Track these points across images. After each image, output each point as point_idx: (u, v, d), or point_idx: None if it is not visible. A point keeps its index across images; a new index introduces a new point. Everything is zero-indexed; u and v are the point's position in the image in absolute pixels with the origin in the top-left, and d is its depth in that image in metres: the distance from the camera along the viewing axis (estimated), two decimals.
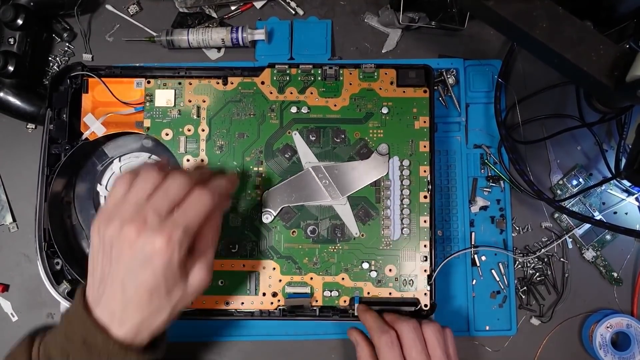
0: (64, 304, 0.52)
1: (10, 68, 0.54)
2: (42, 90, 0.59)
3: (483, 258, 0.57)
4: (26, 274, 0.57)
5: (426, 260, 0.51)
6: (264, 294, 0.51)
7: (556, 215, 0.57)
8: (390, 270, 0.51)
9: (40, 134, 0.52)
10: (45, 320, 0.56)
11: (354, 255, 0.52)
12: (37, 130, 0.59)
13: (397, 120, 0.53)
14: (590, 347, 0.54)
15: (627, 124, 0.53)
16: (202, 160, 0.53)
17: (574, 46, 0.44)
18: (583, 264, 0.57)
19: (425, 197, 0.52)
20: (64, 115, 0.53)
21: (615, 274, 0.57)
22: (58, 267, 0.52)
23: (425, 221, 0.52)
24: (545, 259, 0.57)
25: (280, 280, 0.51)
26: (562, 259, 0.57)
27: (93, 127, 0.53)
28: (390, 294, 0.51)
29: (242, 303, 0.51)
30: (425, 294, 0.51)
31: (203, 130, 0.53)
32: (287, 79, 0.53)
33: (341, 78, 0.53)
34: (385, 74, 0.53)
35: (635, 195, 0.57)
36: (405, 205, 0.52)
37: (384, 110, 0.53)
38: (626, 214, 0.58)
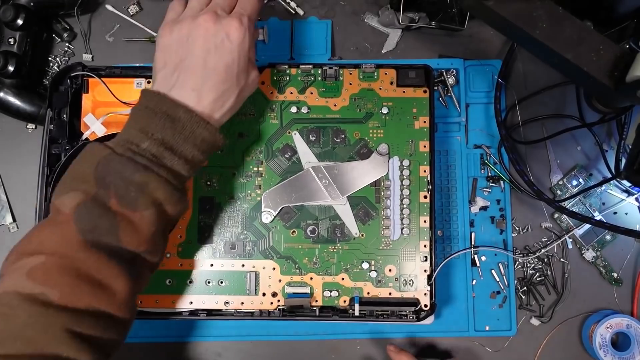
0: None
1: (10, 68, 0.54)
2: (42, 90, 0.59)
3: (483, 258, 0.57)
4: None
5: (426, 260, 0.51)
6: (263, 294, 0.51)
7: (556, 215, 0.57)
8: (390, 270, 0.51)
9: (40, 134, 0.52)
10: None
11: (354, 255, 0.52)
12: (37, 130, 0.59)
13: (397, 120, 0.53)
14: (590, 347, 0.54)
15: (627, 124, 0.53)
16: None
17: (574, 46, 0.44)
18: (583, 264, 0.57)
19: (425, 197, 0.52)
20: (64, 116, 0.53)
21: (615, 274, 0.57)
22: None
23: (425, 221, 0.52)
24: (545, 259, 0.57)
25: (280, 280, 0.51)
26: (562, 259, 0.57)
27: (93, 127, 0.53)
28: (390, 294, 0.51)
29: (242, 303, 0.51)
30: (425, 294, 0.51)
31: None
32: (287, 79, 0.53)
33: (341, 78, 0.53)
34: (385, 74, 0.53)
35: (635, 196, 0.57)
36: (405, 205, 0.52)
37: (384, 110, 0.53)
38: (626, 214, 0.58)
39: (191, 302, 0.51)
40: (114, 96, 0.53)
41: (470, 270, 0.56)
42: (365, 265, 0.51)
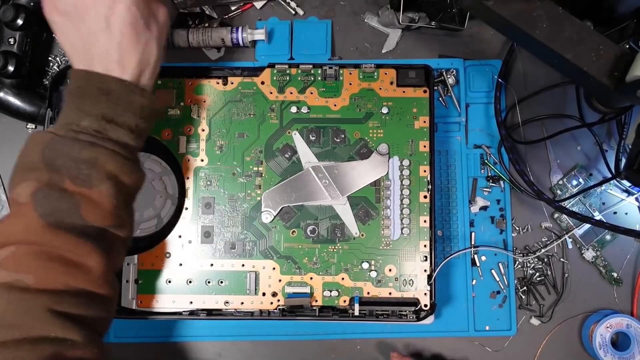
0: None
1: (10, 68, 0.54)
2: (42, 90, 0.59)
3: (483, 258, 0.57)
4: None
5: (426, 260, 0.51)
6: (263, 294, 0.51)
7: (556, 215, 0.57)
8: (390, 270, 0.51)
9: None
10: None
11: (354, 255, 0.52)
12: (37, 130, 0.59)
13: (397, 120, 0.53)
14: (590, 347, 0.54)
15: (627, 124, 0.53)
16: (202, 160, 0.53)
17: (574, 46, 0.44)
18: (583, 264, 0.57)
19: (425, 197, 0.52)
20: None
21: (615, 274, 0.57)
22: None
23: (425, 221, 0.52)
24: (545, 259, 0.57)
25: (280, 280, 0.51)
26: (562, 259, 0.57)
27: None
28: (390, 293, 0.51)
29: (242, 303, 0.51)
30: (425, 294, 0.51)
31: (203, 130, 0.53)
32: (287, 79, 0.53)
33: (341, 78, 0.53)
34: (385, 74, 0.53)
35: (635, 196, 0.57)
36: (405, 205, 0.52)
37: (384, 110, 0.53)
38: (626, 214, 0.58)
39: (191, 302, 0.51)
40: None
41: (470, 270, 0.56)
42: (365, 265, 0.51)
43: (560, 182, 0.58)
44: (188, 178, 0.52)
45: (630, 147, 0.49)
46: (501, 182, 0.57)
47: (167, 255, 0.52)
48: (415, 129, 0.53)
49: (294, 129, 0.53)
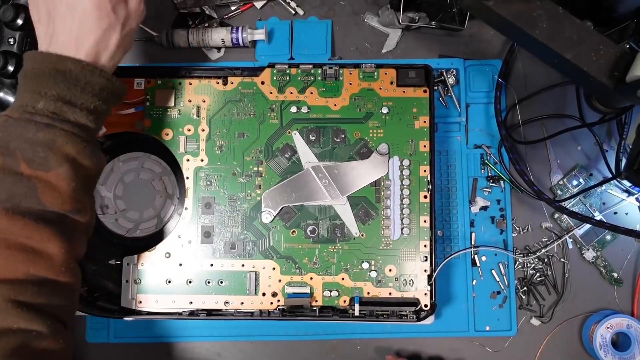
0: None
1: (10, 68, 0.54)
2: None
3: (483, 258, 0.57)
4: None
5: (426, 260, 0.51)
6: (263, 294, 0.51)
7: (556, 215, 0.57)
8: (390, 270, 0.51)
9: None
10: None
11: (354, 255, 0.52)
12: None
13: (397, 120, 0.53)
14: (591, 347, 0.54)
15: (627, 124, 0.53)
16: (202, 160, 0.53)
17: (574, 46, 0.44)
18: (583, 264, 0.57)
19: (425, 197, 0.52)
20: None
21: (615, 275, 0.57)
22: None
23: (425, 221, 0.52)
24: (546, 259, 0.57)
25: (280, 280, 0.51)
26: (562, 259, 0.57)
27: None
28: (390, 294, 0.51)
29: (242, 303, 0.51)
30: (425, 294, 0.51)
31: (203, 130, 0.53)
32: (287, 78, 0.53)
33: (341, 78, 0.53)
34: (385, 73, 0.53)
35: (636, 196, 0.57)
36: (405, 205, 0.52)
37: (384, 110, 0.53)
38: (626, 214, 0.58)
39: (191, 302, 0.51)
40: None
41: (470, 270, 0.56)
42: (365, 265, 0.51)
43: (561, 182, 0.58)
44: (188, 178, 0.52)
45: (630, 147, 0.49)
46: (501, 182, 0.57)
47: (167, 255, 0.52)
48: (415, 129, 0.53)
49: (294, 129, 0.53)
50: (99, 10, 0.40)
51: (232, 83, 0.53)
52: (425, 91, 0.53)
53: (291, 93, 0.53)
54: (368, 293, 0.51)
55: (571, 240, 0.57)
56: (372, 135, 0.53)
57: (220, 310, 0.51)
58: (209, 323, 0.56)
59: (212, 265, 0.51)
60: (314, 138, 0.53)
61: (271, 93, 0.53)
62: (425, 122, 0.53)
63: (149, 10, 0.60)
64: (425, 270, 0.51)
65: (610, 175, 0.54)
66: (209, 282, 0.51)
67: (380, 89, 0.53)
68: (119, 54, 0.43)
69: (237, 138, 0.53)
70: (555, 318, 0.56)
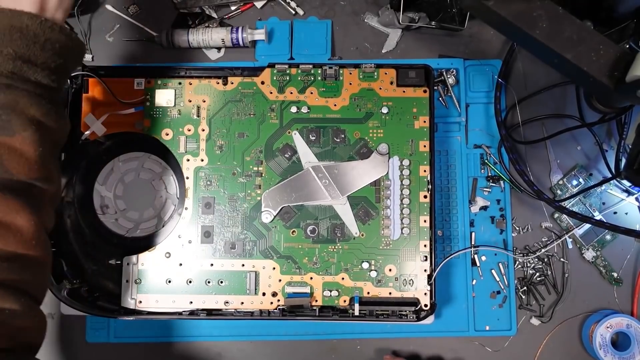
0: (65, 305, 0.52)
1: None
2: None
3: (483, 258, 0.57)
4: None
5: (426, 260, 0.51)
6: (263, 294, 0.51)
7: (556, 215, 0.57)
8: (390, 270, 0.51)
9: None
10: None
11: (354, 255, 0.52)
12: None
13: (397, 120, 0.53)
14: (590, 347, 0.54)
15: (627, 124, 0.53)
16: (202, 160, 0.53)
17: (574, 46, 0.44)
18: (583, 264, 0.57)
19: (425, 197, 0.52)
20: None
21: (615, 274, 0.57)
22: (58, 267, 0.52)
23: (425, 221, 0.52)
24: (545, 259, 0.57)
25: (280, 280, 0.51)
26: (562, 259, 0.57)
27: (93, 127, 0.53)
28: (390, 293, 0.51)
29: (242, 303, 0.51)
30: (425, 293, 0.51)
31: (203, 130, 0.53)
32: (287, 78, 0.53)
33: (341, 78, 0.53)
34: (385, 73, 0.53)
35: (635, 195, 0.57)
36: (405, 205, 0.52)
37: (384, 110, 0.53)
38: (626, 214, 0.58)
39: (191, 302, 0.51)
40: (114, 96, 0.53)
41: (470, 270, 0.56)
42: (365, 265, 0.51)
43: (560, 182, 0.58)
44: (188, 178, 0.52)
45: (630, 147, 0.49)
46: (501, 182, 0.57)
47: (167, 255, 0.52)
48: (415, 128, 0.53)
49: (294, 128, 0.53)
50: None
51: (232, 83, 0.53)
52: (425, 91, 0.53)
53: (291, 93, 0.53)
54: (368, 293, 0.51)
55: (571, 240, 0.57)
56: (372, 135, 0.53)
57: (220, 310, 0.51)
58: (209, 323, 0.56)
59: (212, 265, 0.51)
60: (314, 138, 0.53)
61: (271, 93, 0.53)
62: (425, 122, 0.53)
63: (149, 10, 0.60)
64: (425, 270, 0.51)
65: (610, 175, 0.54)
66: (209, 282, 0.51)
67: (380, 89, 0.53)
68: (69, 10, 0.40)
69: (237, 138, 0.53)
70: (555, 318, 0.56)
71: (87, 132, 0.53)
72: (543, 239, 0.58)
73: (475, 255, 0.56)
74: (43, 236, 0.38)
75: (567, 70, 0.46)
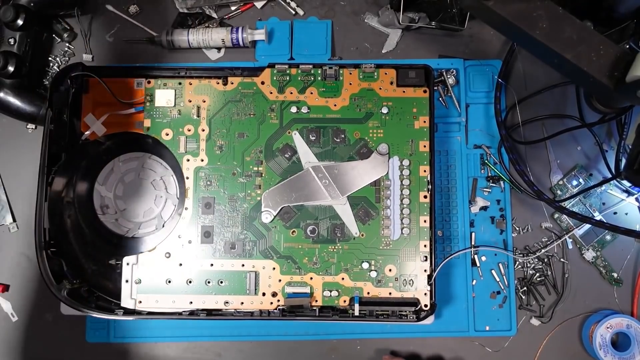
0: (65, 305, 0.52)
1: (10, 68, 0.54)
2: (42, 90, 0.59)
3: (483, 258, 0.57)
4: (26, 274, 0.57)
5: (426, 260, 0.51)
6: (263, 294, 0.51)
7: (556, 215, 0.57)
8: (390, 270, 0.51)
9: (40, 134, 0.52)
10: (45, 321, 0.56)
11: (354, 255, 0.52)
12: (37, 130, 0.59)
13: (397, 120, 0.53)
14: (590, 347, 0.54)
15: (627, 124, 0.53)
16: (202, 160, 0.53)
17: (574, 46, 0.44)
18: (583, 264, 0.57)
19: (425, 197, 0.52)
20: (64, 116, 0.53)
21: (615, 275, 0.57)
22: (58, 267, 0.52)
23: (425, 221, 0.52)
24: (545, 259, 0.57)
25: (280, 280, 0.51)
26: (562, 259, 0.57)
27: (93, 127, 0.53)
28: (390, 293, 0.51)
29: (242, 303, 0.51)
30: (425, 294, 0.51)
31: (203, 130, 0.53)
32: (287, 79, 0.53)
33: (341, 78, 0.53)
34: (385, 74, 0.53)
35: (635, 196, 0.57)
36: (405, 205, 0.52)
37: (384, 110, 0.53)
38: (626, 214, 0.58)
39: (191, 302, 0.51)
40: (114, 96, 0.53)
41: (470, 270, 0.56)
42: (365, 265, 0.51)
43: (561, 182, 0.58)
44: (188, 178, 0.52)
45: (630, 147, 0.49)
46: (501, 182, 0.57)
47: (167, 255, 0.52)
48: (415, 129, 0.53)
49: (294, 129, 0.53)
50: None
51: (232, 83, 0.53)
52: (425, 91, 0.53)
53: (291, 93, 0.53)
54: (368, 293, 0.51)
55: (571, 240, 0.57)
56: (372, 135, 0.53)
57: (220, 310, 0.51)
58: (209, 323, 0.56)
59: (212, 265, 0.51)
60: (314, 138, 0.53)
61: (271, 93, 0.53)
62: (425, 122, 0.53)
63: (149, 10, 0.60)
64: (425, 270, 0.51)
65: (610, 176, 0.54)
66: (209, 282, 0.51)
67: (380, 89, 0.53)
68: None
69: (237, 138, 0.53)
70: (555, 318, 0.56)
71: (87, 132, 0.53)
72: (543, 239, 0.58)
73: (475, 256, 0.56)
74: None
75: (567, 70, 0.46)
